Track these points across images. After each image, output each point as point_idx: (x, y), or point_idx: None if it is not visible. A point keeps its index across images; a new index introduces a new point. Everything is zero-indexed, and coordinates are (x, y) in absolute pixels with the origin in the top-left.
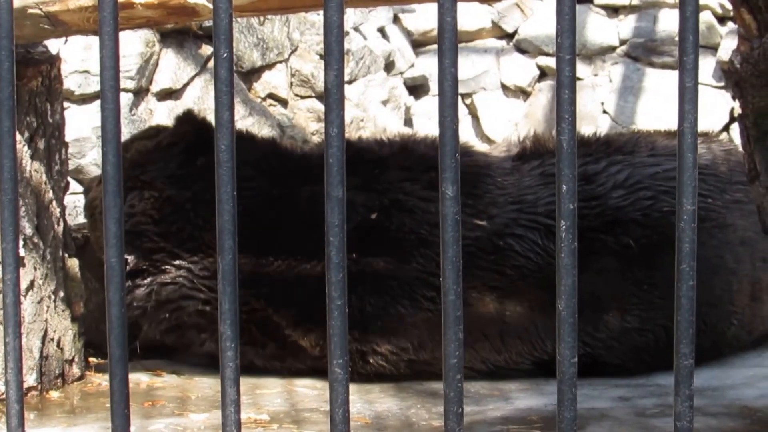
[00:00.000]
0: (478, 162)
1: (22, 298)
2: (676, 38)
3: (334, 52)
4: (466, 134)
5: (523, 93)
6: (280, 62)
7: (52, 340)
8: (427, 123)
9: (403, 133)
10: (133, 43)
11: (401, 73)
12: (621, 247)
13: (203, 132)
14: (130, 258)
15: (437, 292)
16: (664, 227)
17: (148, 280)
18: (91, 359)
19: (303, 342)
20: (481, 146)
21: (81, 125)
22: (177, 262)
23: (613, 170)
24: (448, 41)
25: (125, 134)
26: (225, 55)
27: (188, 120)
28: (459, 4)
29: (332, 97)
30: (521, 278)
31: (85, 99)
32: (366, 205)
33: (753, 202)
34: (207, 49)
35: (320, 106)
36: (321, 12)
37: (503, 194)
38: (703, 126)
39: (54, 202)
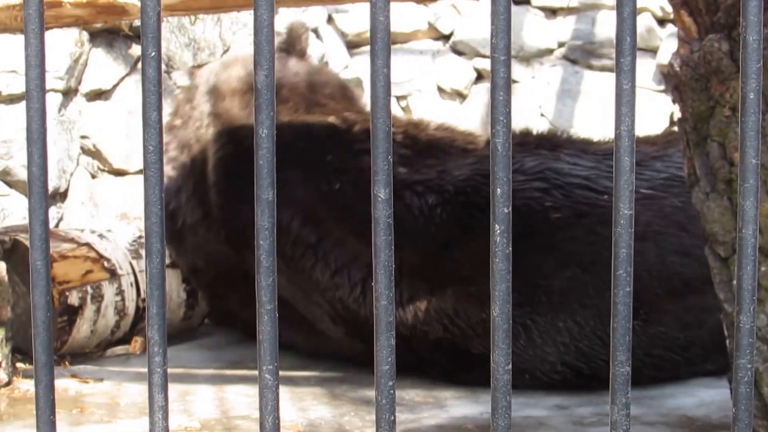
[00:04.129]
0: None
1: None
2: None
3: (264, 52)
4: None
5: (460, 95)
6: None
7: None
8: None
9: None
10: (62, 43)
11: None
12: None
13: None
14: None
15: None
16: (535, 220)
17: None
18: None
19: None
20: None
21: (9, 126)
22: None
23: (529, 159)
24: (380, 42)
25: (52, 135)
26: (153, 54)
27: None
28: (393, 4)
29: (263, 98)
30: None
31: (13, 99)
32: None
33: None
34: (137, 49)
35: None
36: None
37: None
38: (643, 130)
39: None
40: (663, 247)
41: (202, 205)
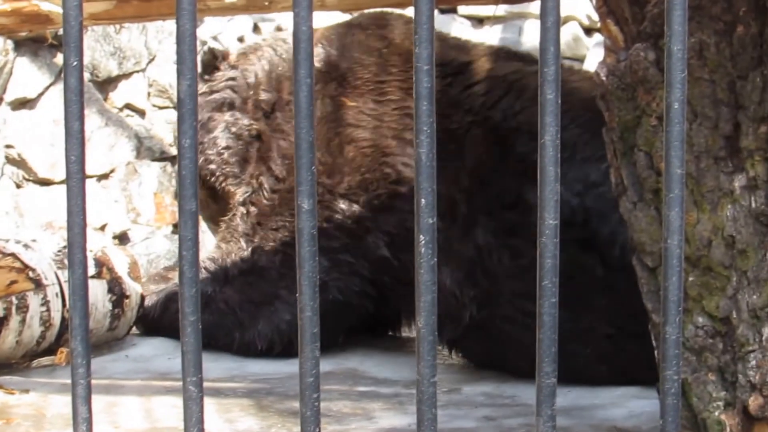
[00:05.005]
0: None
1: None
2: None
3: (186, 61)
4: None
5: None
6: (138, 72)
7: None
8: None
9: None
10: None
11: None
12: None
13: None
14: None
15: None
16: None
17: None
18: None
19: None
20: None
21: None
22: None
23: None
24: (303, 51)
25: None
26: (75, 63)
27: None
28: (318, 13)
29: (185, 107)
30: None
31: None
32: None
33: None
34: (62, 58)
35: None
36: None
37: None
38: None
39: None
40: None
41: None
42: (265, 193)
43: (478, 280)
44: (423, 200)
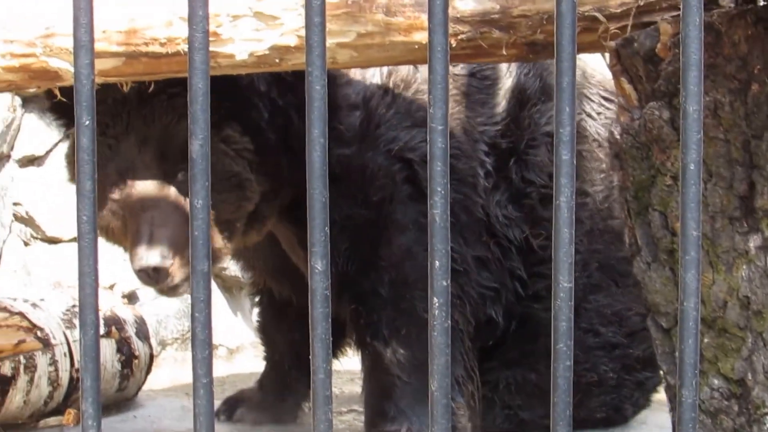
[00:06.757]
0: None
1: None
2: None
3: (199, 121)
4: None
5: None
6: None
7: None
8: None
9: None
10: None
11: None
12: None
13: None
14: None
15: None
16: None
17: None
18: None
19: None
20: None
21: None
22: None
23: None
24: (317, 110)
25: None
26: (87, 123)
27: None
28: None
29: (197, 167)
30: None
31: None
32: None
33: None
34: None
35: None
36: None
37: None
38: None
39: None
40: None
41: None
42: None
43: None
44: (437, 262)
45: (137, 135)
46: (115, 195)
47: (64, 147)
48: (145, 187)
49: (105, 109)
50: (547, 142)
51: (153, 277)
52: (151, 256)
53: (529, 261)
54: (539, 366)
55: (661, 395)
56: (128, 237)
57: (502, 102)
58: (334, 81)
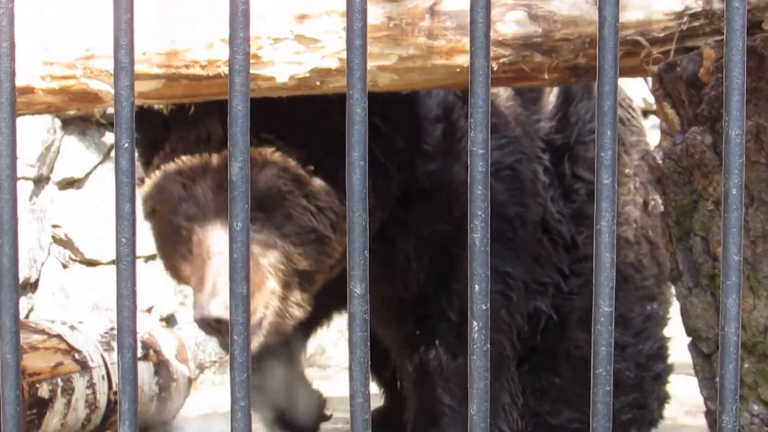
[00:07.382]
0: None
1: None
2: None
3: (239, 143)
4: None
5: None
6: None
7: None
8: None
9: None
10: (34, 130)
11: None
12: None
13: None
14: None
15: None
16: None
17: None
18: None
19: None
20: None
21: None
22: None
23: None
24: (357, 133)
25: (23, 224)
26: (126, 145)
27: None
28: None
29: (237, 190)
30: None
31: None
32: None
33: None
34: (110, 137)
35: None
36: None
37: None
38: None
39: None
40: None
41: None
42: None
43: None
44: (477, 286)
45: (215, 179)
46: (184, 238)
47: (103, 169)
48: (216, 234)
49: (185, 147)
50: (593, 138)
51: (215, 327)
52: (214, 306)
53: (571, 257)
54: (560, 369)
55: None
56: (193, 283)
57: (551, 98)
58: (417, 92)
